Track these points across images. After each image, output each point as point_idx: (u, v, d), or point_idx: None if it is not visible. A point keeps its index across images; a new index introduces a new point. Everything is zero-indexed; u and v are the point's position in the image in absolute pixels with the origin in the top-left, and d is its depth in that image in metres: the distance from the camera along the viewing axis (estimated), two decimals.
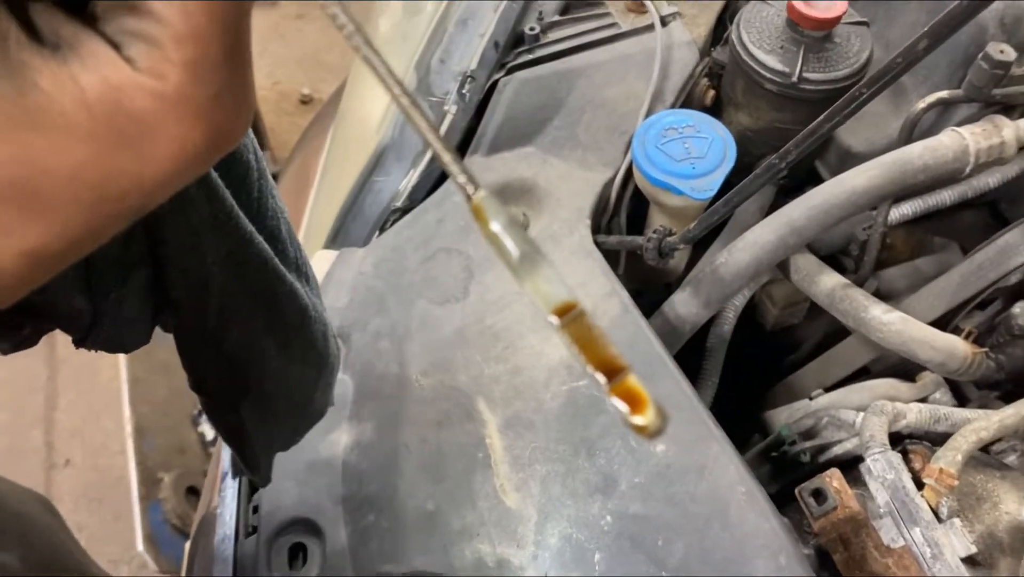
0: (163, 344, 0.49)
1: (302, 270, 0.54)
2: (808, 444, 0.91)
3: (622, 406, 0.28)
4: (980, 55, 0.87)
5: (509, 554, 0.67)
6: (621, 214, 0.95)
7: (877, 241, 0.99)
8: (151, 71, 0.22)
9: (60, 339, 0.43)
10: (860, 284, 1.01)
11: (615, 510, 0.66)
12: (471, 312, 0.80)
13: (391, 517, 0.70)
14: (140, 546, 1.68)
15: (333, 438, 0.76)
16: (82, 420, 2.12)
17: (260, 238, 0.46)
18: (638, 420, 0.28)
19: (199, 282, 0.43)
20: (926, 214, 1.05)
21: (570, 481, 0.69)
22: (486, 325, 0.80)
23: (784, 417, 0.96)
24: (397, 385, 0.77)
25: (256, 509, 0.74)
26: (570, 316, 0.29)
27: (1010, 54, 0.86)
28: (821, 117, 0.69)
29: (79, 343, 0.43)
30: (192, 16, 0.22)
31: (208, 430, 1.90)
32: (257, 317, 0.49)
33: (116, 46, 0.23)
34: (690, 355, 1.02)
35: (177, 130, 0.23)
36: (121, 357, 1.99)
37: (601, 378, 0.28)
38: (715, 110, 1.01)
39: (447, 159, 0.29)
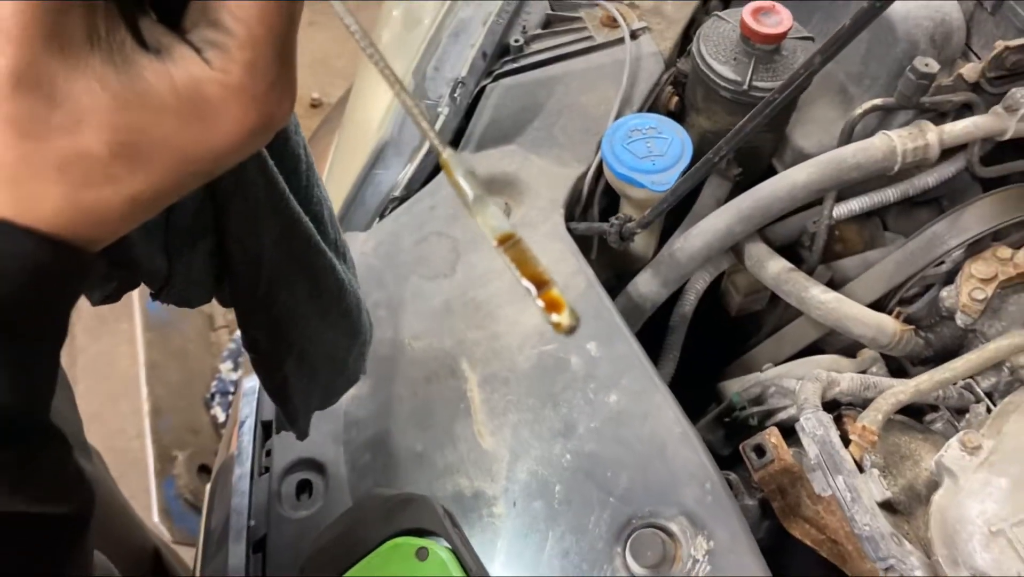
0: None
1: (340, 250, 0.63)
2: (756, 409, 1.02)
3: (544, 306, 0.39)
4: (908, 67, 0.99)
5: (484, 487, 0.79)
6: (594, 205, 1.07)
7: (824, 232, 1.10)
8: (221, 69, 0.34)
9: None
10: (811, 272, 1.13)
11: (573, 450, 0.78)
12: (457, 286, 0.92)
13: (385, 457, 0.82)
14: (156, 517, 1.80)
15: None
16: (100, 406, 2.24)
17: (307, 219, 0.55)
18: (556, 318, 0.39)
19: (254, 255, 0.52)
20: (875, 210, 1.17)
21: (537, 427, 0.81)
22: (470, 298, 0.92)
23: (736, 387, 1.07)
24: (392, 348, 0.89)
25: (269, 452, 0.86)
26: (509, 243, 0.40)
27: (934, 67, 0.97)
28: (744, 119, 0.81)
29: (156, 296, 0.54)
30: (252, 30, 0.34)
31: (220, 413, 2.03)
32: (301, 287, 0.58)
33: (198, 51, 0.34)
34: (657, 333, 1.15)
35: (237, 112, 0.34)
36: (140, 345, 2.11)
37: (532, 288, 0.39)
38: (679, 115, 1.12)
39: (424, 126, 0.40)
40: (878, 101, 1.02)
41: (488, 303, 0.91)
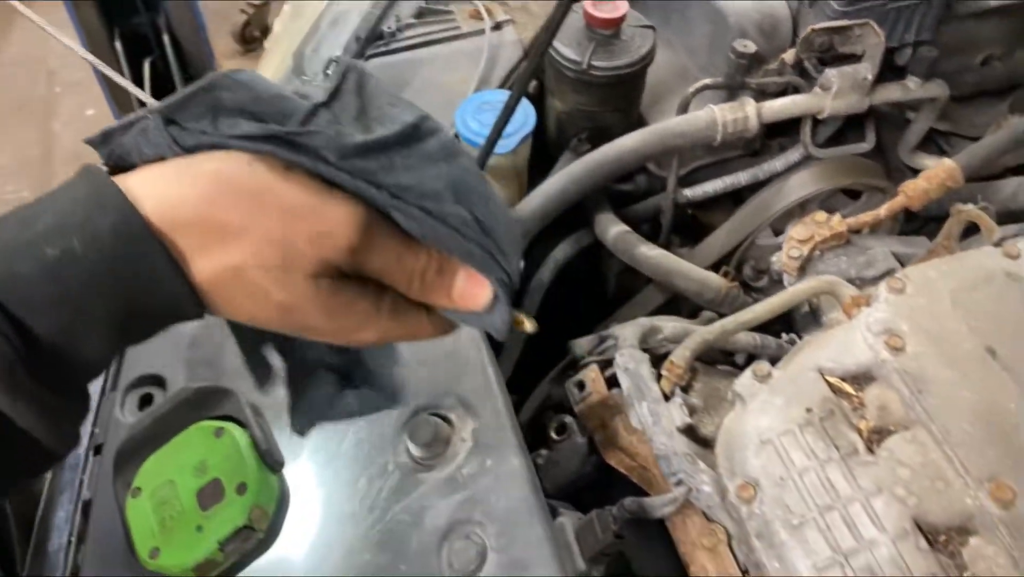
0: None
1: None
2: (594, 359, 1.10)
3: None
4: (729, 49, 1.10)
5: None
6: None
7: (670, 207, 1.20)
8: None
9: None
10: (665, 244, 1.23)
11: (385, 361, 0.86)
12: None
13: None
14: None
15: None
16: None
17: None
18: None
19: None
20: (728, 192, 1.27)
21: None
22: None
23: (582, 342, 1.15)
24: None
25: (118, 370, 0.94)
26: None
27: (751, 47, 1.08)
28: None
29: None
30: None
31: None
32: None
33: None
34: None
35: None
36: None
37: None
38: (539, 99, 1.23)
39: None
40: (708, 81, 1.13)
41: None
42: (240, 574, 0.71)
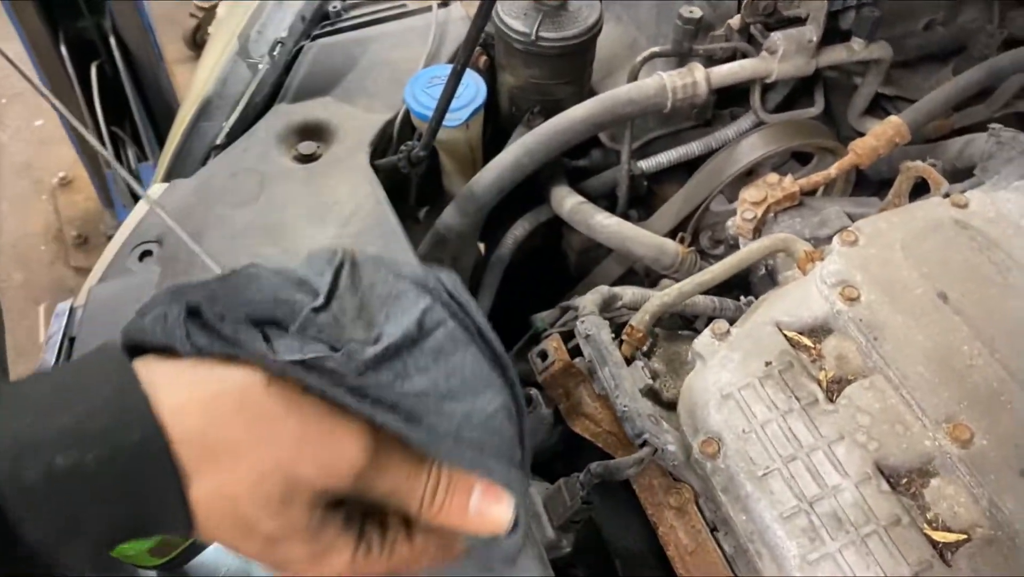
0: None
1: None
2: (556, 330, 1.10)
3: None
4: (676, 15, 1.10)
5: None
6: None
7: (626, 178, 1.20)
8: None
9: None
10: (624, 215, 1.22)
11: None
12: (259, 212, 1.00)
13: None
14: None
15: (138, 306, 0.94)
16: None
17: None
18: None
19: None
20: (682, 163, 1.27)
21: None
22: (270, 220, 0.99)
23: (544, 316, 1.14)
24: (189, 266, 0.95)
25: (70, 359, 0.91)
26: None
27: (697, 13, 1.09)
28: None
29: None
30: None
31: None
32: None
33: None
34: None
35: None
36: None
37: None
38: (491, 75, 1.23)
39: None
40: (656, 49, 1.13)
41: (286, 224, 0.98)
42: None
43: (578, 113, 1.05)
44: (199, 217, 1.00)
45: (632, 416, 0.88)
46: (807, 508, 0.75)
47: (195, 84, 1.20)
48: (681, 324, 1.15)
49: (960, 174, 1.20)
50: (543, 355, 0.99)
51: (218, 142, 1.11)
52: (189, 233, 1.00)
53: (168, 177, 1.13)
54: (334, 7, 1.18)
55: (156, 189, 1.09)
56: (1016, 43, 1.33)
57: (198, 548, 0.70)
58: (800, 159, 1.31)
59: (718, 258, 1.14)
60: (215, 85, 1.13)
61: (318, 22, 1.18)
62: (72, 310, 0.97)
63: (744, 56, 1.16)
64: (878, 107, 1.39)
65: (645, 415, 0.88)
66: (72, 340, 0.94)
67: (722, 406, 0.83)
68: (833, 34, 1.18)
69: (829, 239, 1.07)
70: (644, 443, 0.87)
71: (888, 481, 0.75)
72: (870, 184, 1.36)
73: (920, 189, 1.13)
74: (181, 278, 0.95)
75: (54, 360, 0.92)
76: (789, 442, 0.79)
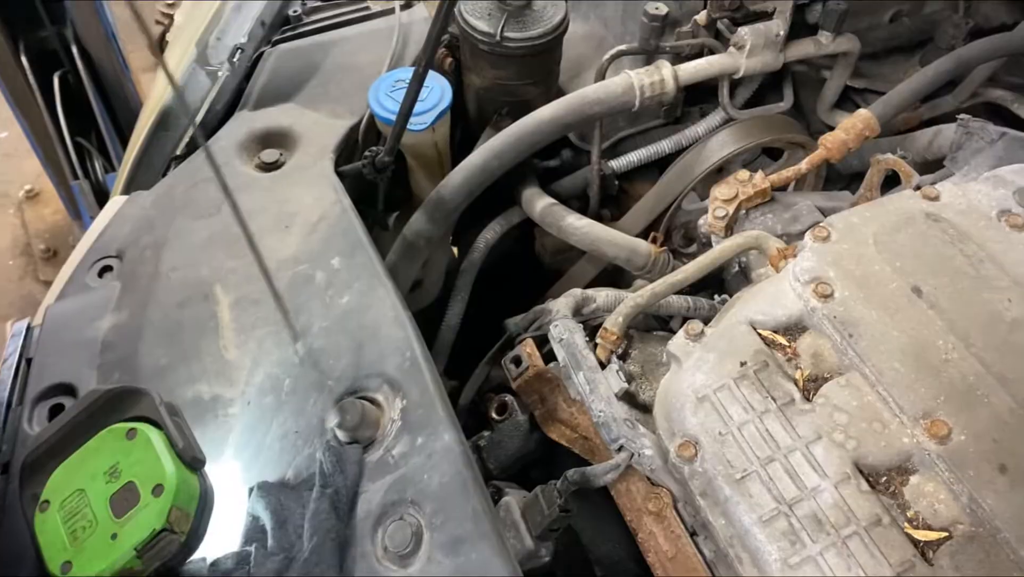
0: None
1: None
2: (530, 335, 1.08)
3: None
4: (642, 12, 1.08)
5: (223, 392, 0.82)
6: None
7: (596, 177, 1.18)
8: None
9: None
10: (595, 217, 1.21)
11: (305, 347, 0.82)
12: (220, 223, 0.97)
13: (131, 373, 0.85)
14: None
15: (97, 324, 0.91)
16: None
17: None
18: None
19: None
20: (653, 161, 1.26)
21: (279, 337, 0.85)
22: (232, 232, 0.96)
23: (517, 320, 1.13)
24: (151, 280, 0.93)
25: (26, 381, 0.88)
26: None
27: (663, 9, 1.07)
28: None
29: None
30: None
31: None
32: None
33: None
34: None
35: None
36: None
37: None
38: (456, 76, 1.21)
39: None
40: (623, 47, 1.12)
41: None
42: None
43: (546, 114, 1.04)
44: (160, 230, 0.98)
45: (608, 421, 0.87)
46: (787, 510, 0.73)
47: (154, 92, 1.17)
48: (655, 324, 1.14)
49: (930, 165, 1.20)
50: (517, 361, 0.97)
51: (178, 152, 1.08)
52: (150, 247, 0.97)
53: (128, 189, 1.10)
54: (295, 11, 1.15)
55: (115, 202, 1.06)
56: (982, 33, 1.34)
57: (167, 571, 0.68)
58: (770, 154, 1.30)
59: (691, 256, 1.13)
60: (173, 94, 1.10)
61: (278, 27, 1.15)
62: (29, 329, 0.94)
63: (711, 52, 1.15)
64: (847, 100, 1.38)
65: (621, 420, 0.87)
66: (29, 361, 0.91)
67: (698, 408, 0.81)
68: (800, 28, 1.17)
69: (801, 234, 1.06)
70: (621, 448, 0.86)
71: (867, 480, 0.74)
72: (841, 177, 1.36)
73: (891, 181, 1.13)
74: (142, 294, 0.92)
75: (10, 382, 0.89)
76: (767, 443, 0.77)
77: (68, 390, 0.86)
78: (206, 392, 0.82)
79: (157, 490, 0.67)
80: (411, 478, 0.68)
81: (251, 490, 0.73)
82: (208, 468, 0.72)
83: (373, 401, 0.74)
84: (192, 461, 0.70)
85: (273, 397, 0.80)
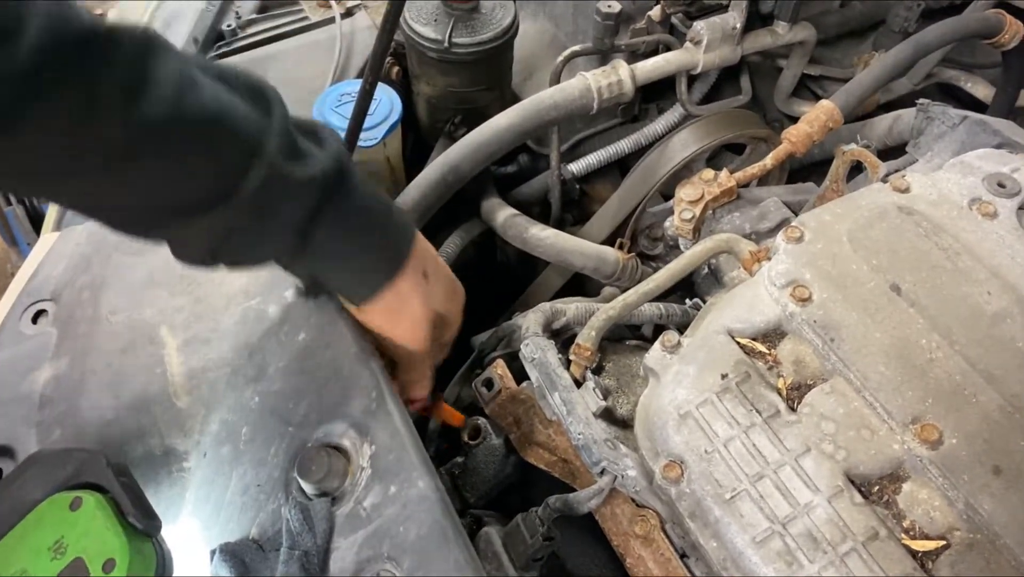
0: None
1: None
2: (500, 353, 1.04)
3: None
4: (594, 11, 1.04)
5: (176, 444, 0.76)
6: None
7: (557, 183, 1.14)
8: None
9: None
10: (559, 223, 1.17)
11: (262, 391, 0.77)
12: (162, 258, 0.90)
13: (74, 429, 0.78)
14: None
15: (34, 377, 0.84)
16: None
17: None
18: None
19: None
20: (613, 162, 1.22)
21: (233, 379, 0.79)
22: (174, 268, 0.90)
23: (485, 337, 1.08)
24: (91, 324, 0.86)
25: None
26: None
27: (615, 7, 1.04)
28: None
29: None
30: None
31: None
32: None
33: None
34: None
35: None
36: None
37: None
38: (405, 86, 1.15)
39: None
40: (577, 48, 1.08)
41: (194, 271, 0.89)
42: None
43: (502, 122, 0.99)
44: (97, 268, 0.91)
45: (588, 444, 0.83)
46: (781, 530, 0.70)
47: None
48: (627, 332, 1.11)
49: (891, 151, 1.18)
50: (488, 384, 0.93)
51: None
52: (88, 287, 0.90)
53: (59, 225, 1.03)
54: (228, 26, 1.09)
55: (47, 239, 0.99)
56: (932, 14, 1.33)
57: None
58: (733, 149, 1.28)
59: (658, 258, 1.10)
60: None
61: (212, 43, 1.08)
62: None
63: (668, 48, 1.12)
64: (803, 87, 1.37)
65: (602, 441, 0.83)
66: None
67: (681, 426, 0.78)
68: (754, 19, 1.14)
69: (771, 232, 1.03)
70: (603, 472, 0.82)
71: (860, 491, 0.72)
72: (803, 167, 1.34)
73: (855, 169, 1.11)
74: (82, 341, 0.85)
75: None
76: (755, 460, 0.74)
77: (5, 452, 0.79)
78: (157, 446, 0.76)
79: (108, 565, 0.61)
80: (386, 531, 0.63)
81: (213, 553, 0.68)
82: (165, 530, 0.66)
83: (339, 448, 0.69)
84: (146, 528, 0.64)
85: (231, 447, 0.74)
